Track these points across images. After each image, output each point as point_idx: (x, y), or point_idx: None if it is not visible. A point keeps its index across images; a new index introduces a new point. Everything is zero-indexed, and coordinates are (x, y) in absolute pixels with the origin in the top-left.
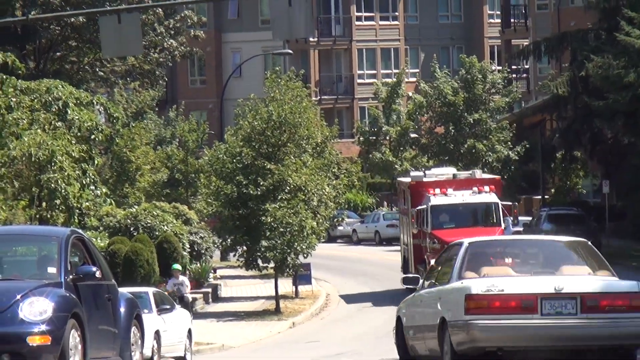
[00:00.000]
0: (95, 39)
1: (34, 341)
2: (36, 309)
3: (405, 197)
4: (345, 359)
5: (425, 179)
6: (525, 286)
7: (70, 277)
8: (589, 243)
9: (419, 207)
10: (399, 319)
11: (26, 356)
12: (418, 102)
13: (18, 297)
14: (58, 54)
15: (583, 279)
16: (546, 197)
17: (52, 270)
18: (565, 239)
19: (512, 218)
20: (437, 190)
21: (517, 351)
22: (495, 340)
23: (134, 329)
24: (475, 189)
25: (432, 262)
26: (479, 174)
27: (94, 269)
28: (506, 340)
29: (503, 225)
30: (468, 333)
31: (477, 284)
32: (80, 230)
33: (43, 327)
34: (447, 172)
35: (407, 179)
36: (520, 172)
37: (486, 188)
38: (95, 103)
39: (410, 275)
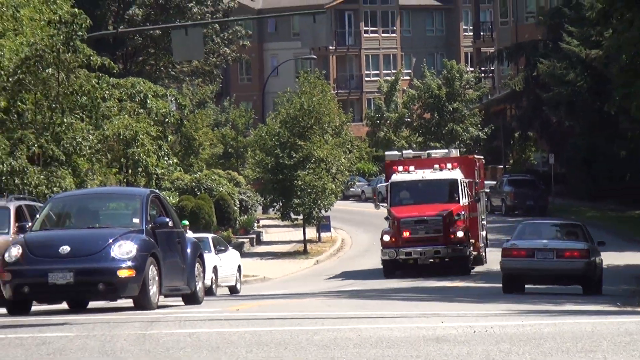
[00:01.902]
0: (168, 47)
1: (123, 274)
2: (124, 250)
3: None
4: (355, 287)
5: (400, 159)
6: (529, 244)
7: (150, 225)
8: (581, 225)
9: (380, 185)
10: None
11: (116, 285)
12: (411, 95)
13: (110, 240)
14: (140, 58)
15: (557, 241)
16: (507, 166)
17: (136, 220)
18: (567, 222)
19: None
20: (401, 168)
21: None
22: (512, 269)
23: (197, 265)
24: (436, 166)
25: (385, 237)
26: (454, 152)
27: (167, 219)
28: (518, 269)
29: (463, 202)
30: (502, 266)
31: (506, 244)
32: (157, 191)
33: (129, 263)
34: (427, 152)
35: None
36: (487, 148)
37: (449, 165)
38: (168, 95)
39: None
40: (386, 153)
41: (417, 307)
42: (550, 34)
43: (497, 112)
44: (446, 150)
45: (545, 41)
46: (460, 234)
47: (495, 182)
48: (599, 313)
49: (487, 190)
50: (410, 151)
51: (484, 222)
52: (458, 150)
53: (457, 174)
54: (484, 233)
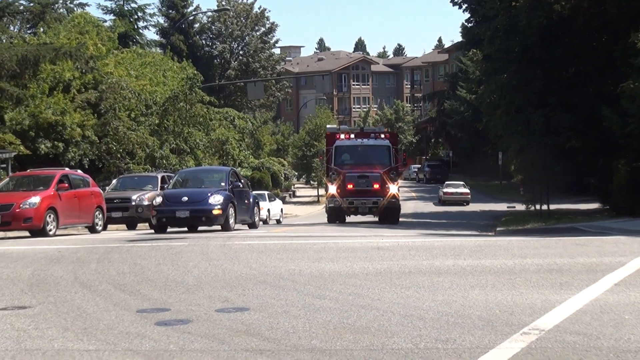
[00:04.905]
0: (246, 91)
1: (215, 212)
2: (216, 199)
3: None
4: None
5: (337, 131)
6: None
7: (230, 187)
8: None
9: (328, 147)
10: None
11: (212, 218)
12: (376, 118)
13: (209, 194)
14: (233, 97)
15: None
16: (427, 157)
17: (223, 184)
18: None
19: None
20: (343, 136)
21: None
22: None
23: (255, 208)
24: (373, 135)
25: (331, 189)
26: (382, 128)
27: (240, 184)
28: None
29: (393, 165)
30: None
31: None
32: (235, 169)
33: (218, 206)
34: (361, 127)
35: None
36: (417, 148)
37: (382, 136)
38: (246, 118)
39: None
40: (327, 126)
41: (371, 231)
42: (451, 86)
43: (422, 128)
44: (377, 128)
45: (448, 90)
46: (394, 189)
47: (420, 165)
48: (466, 236)
49: (416, 169)
50: (346, 126)
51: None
52: (387, 130)
53: (388, 142)
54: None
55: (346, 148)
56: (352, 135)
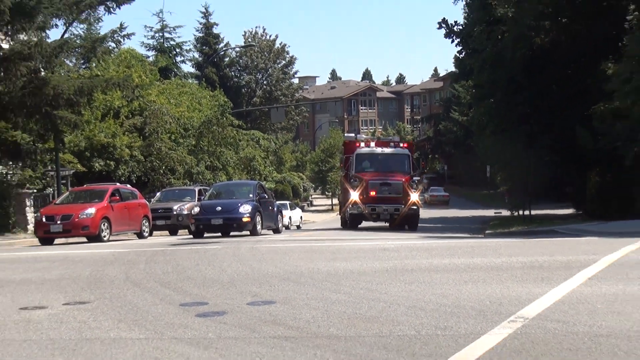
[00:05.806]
0: (269, 116)
1: (244, 220)
2: (245, 209)
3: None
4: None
5: (356, 139)
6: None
7: (257, 198)
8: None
9: (347, 155)
10: None
11: (242, 225)
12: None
13: (239, 205)
14: (258, 121)
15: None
16: (425, 170)
17: (251, 195)
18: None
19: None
20: (363, 144)
21: None
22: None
23: (279, 216)
24: (392, 144)
25: (354, 195)
26: (397, 138)
27: (266, 195)
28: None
29: (413, 173)
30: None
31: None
32: (261, 182)
33: (247, 215)
34: (377, 137)
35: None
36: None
37: (402, 145)
38: (270, 138)
39: None
40: (345, 135)
41: (378, 234)
42: (445, 110)
43: (421, 146)
44: (391, 137)
45: (443, 113)
46: (414, 196)
47: (419, 178)
48: (460, 238)
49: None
50: (363, 135)
51: None
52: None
53: (407, 151)
54: None
55: (367, 156)
56: (372, 144)
